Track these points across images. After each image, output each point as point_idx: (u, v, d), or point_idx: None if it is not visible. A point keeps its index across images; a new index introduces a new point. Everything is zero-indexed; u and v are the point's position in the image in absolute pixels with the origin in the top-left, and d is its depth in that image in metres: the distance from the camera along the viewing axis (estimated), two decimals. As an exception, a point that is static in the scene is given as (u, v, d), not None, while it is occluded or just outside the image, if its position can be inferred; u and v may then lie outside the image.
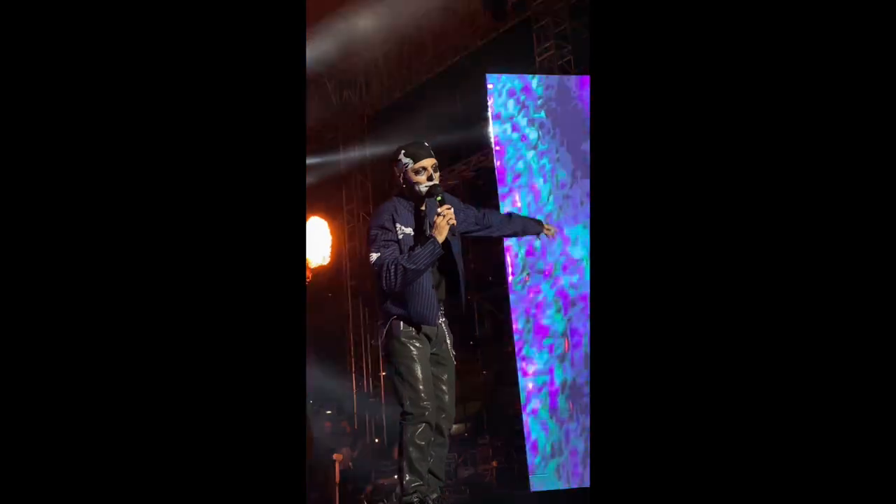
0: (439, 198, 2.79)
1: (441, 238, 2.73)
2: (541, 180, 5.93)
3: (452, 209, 2.78)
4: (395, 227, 2.81)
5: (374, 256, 2.80)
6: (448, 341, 2.86)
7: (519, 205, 5.81)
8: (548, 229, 3.24)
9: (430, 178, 2.83)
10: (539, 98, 6.11)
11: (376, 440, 8.68)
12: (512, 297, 5.78)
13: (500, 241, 5.73)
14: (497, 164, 5.97)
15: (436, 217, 2.77)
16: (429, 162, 2.84)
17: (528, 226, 3.26)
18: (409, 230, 2.82)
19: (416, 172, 2.84)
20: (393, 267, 2.73)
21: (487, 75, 6.14)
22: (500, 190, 5.89)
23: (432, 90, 8.68)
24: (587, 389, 5.40)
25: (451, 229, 2.79)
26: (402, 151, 2.90)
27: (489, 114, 6.08)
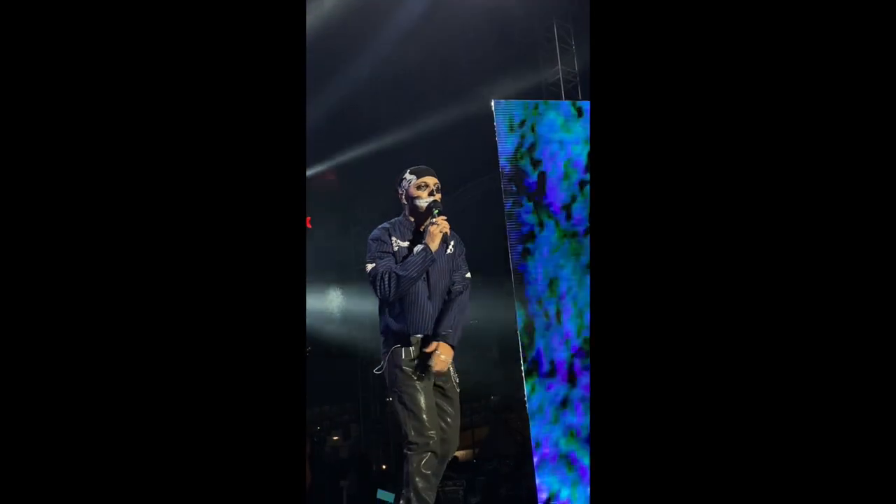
0: (436, 210, 2.84)
1: (434, 246, 2.77)
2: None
3: (446, 219, 2.82)
4: (391, 240, 2.86)
5: (368, 266, 2.85)
6: (451, 368, 2.86)
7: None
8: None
9: (431, 195, 2.87)
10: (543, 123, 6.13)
11: (383, 466, 8.63)
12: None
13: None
14: (503, 187, 5.99)
15: (430, 225, 2.80)
16: (431, 180, 2.90)
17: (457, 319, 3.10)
18: (405, 244, 2.87)
19: (419, 188, 2.89)
20: (387, 275, 2.78)
21: (493, 101, 6.20)
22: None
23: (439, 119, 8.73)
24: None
25: (445, 238, 2.83)
26: (408, 170, 2.96)
27: (496, 139, 6.10)
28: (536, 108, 6.15)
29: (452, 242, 2.91)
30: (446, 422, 2.84)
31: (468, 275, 2.96)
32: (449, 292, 2.91)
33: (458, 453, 7.21)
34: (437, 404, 2.82)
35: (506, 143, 5.92)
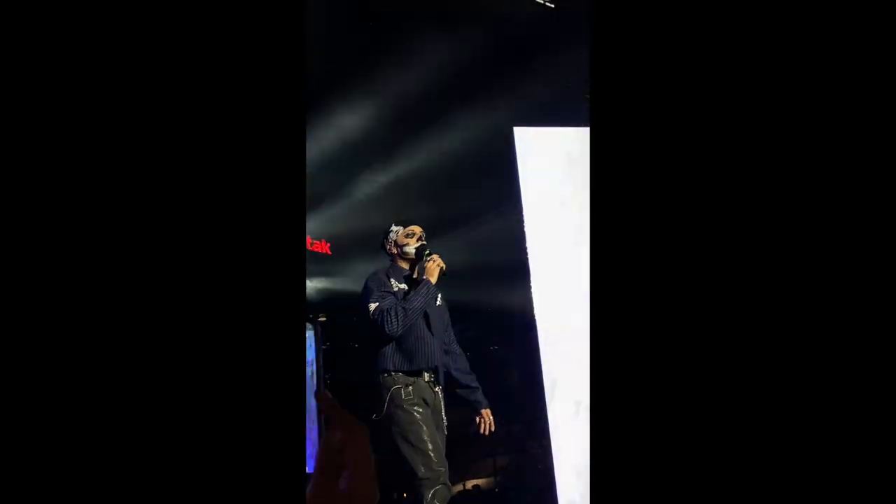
0: (427, 252, 2.90)
1: (433, 279, 2.82)
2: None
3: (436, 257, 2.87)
4: (391, 282, 2.91)
5: (372, 306, 2.90)
6: (441, 408, 2.87)
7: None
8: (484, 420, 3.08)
9: (419, 240, 2.94)
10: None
11: (404, 494, 8.54)
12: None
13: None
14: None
15: (426, 263, 2.86)
16: (417, 228, 2.99)
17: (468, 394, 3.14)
18: (403, 286, 2.93)
19: (406, 236, 2.96)
20: (393, 310, 2.82)
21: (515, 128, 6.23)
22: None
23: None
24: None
25: (442, 273, 2.88)
26: (392, 223, 3.03)
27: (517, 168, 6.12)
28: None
29: (440, 295, 2.95)
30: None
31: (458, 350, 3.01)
32: (450, 375, 2.97)
33: (480, 481, 7.14)
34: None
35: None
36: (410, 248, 2.98)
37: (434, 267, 2.86)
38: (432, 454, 2.74)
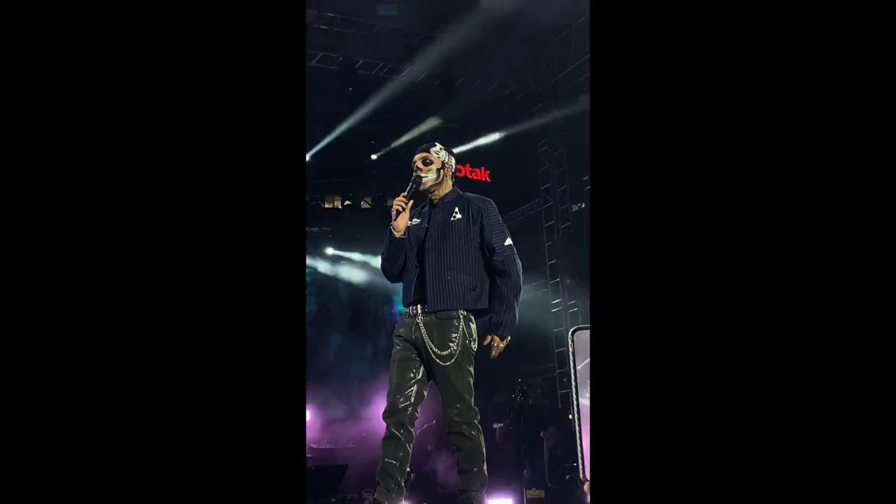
0: (413, 186, 2.92)
1: (394, 224, 2.86)
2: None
3: (403, 195, 2.89)
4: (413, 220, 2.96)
5: (509, 241, 3.00)
6: (424, 339, 2.83)
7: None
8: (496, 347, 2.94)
9: (415, 171, 2.96)
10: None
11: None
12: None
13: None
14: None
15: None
16: (417, 157, 2.99)
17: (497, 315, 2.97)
18: (416, 220, 2.96)
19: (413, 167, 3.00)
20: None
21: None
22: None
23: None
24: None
25: (422, 211, 2.93)
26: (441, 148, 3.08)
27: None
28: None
29: (457, 208, 2.94)
30: (420, 392, 2.87)
31: (507, 242, 2.92)
32: (492, 265, 2.89)
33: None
34: (414, 376, 2.85)
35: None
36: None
37: (393, 212, 2.96)
38: (392, 386, 2.79)
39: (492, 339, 2.87)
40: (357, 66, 8.04)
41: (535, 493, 6.81)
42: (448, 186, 3.07)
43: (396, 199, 2.94)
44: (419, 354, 2.85)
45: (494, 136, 9.32)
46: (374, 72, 8.22)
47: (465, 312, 2.86)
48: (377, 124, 8.83)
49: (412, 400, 2.82)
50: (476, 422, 2.79)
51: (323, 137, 8.80)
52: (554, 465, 7.12)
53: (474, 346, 2.87)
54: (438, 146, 3.07)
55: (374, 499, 2.72)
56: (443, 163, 3.04)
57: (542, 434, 7.43)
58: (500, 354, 2.90)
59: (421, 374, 2.86)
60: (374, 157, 9.85)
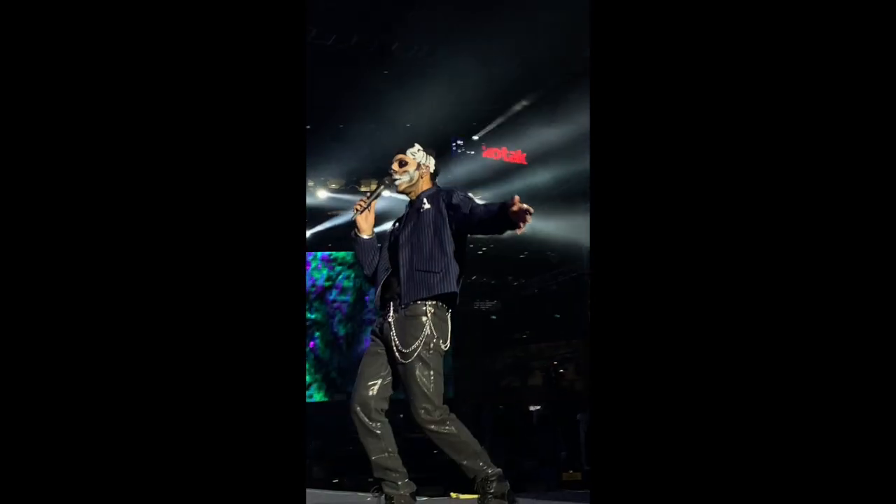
0: (381, 188, 2.93)
1: (359, 227, 2.89)
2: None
3: (363, 200, 2.91)
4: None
5: None
6: (391, 337, 2.82)
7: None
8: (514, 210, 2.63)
9: (389, 172, 2.97)
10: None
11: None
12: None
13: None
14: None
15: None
16: (395, 158, 2.99)
17: (491, 214, 2.76)
18: (391, 224, 2.99)
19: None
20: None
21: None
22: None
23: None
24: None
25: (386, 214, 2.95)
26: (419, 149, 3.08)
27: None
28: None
29: (425, 198, 2.92)
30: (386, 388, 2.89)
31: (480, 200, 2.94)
32: (476, 218, 2.77)
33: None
34: (386, 373, 2.88)
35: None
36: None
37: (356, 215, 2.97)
38: (360, 380, 2.85)
39: (512, 201, 2.60)
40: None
41: (571, 475, 6.83)
42: (426, 186, 3.06)
43: (357, 202, 3.00)
44: (388, 351, 2.87)
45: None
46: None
47: (433, 307, 2.82)
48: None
49: (376, 391, 2.85)
50: (445, 418, 2.77)
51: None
52: (590, 448, 7.13)
53: (444, 345, 2.84)
54: (416, 147, 3.07)
55: (386, 494, 2.76)
56: (419, 164, 3.04)
57: (578, 416, 7.45)
58: (525, 212, 2.56)
59: (386, 370, 2.88)
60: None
